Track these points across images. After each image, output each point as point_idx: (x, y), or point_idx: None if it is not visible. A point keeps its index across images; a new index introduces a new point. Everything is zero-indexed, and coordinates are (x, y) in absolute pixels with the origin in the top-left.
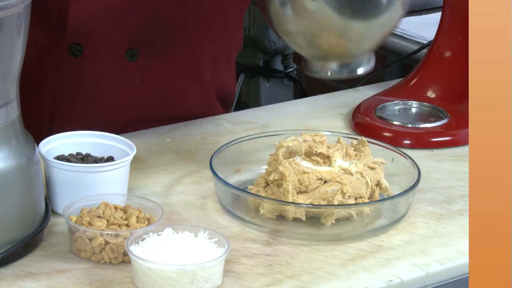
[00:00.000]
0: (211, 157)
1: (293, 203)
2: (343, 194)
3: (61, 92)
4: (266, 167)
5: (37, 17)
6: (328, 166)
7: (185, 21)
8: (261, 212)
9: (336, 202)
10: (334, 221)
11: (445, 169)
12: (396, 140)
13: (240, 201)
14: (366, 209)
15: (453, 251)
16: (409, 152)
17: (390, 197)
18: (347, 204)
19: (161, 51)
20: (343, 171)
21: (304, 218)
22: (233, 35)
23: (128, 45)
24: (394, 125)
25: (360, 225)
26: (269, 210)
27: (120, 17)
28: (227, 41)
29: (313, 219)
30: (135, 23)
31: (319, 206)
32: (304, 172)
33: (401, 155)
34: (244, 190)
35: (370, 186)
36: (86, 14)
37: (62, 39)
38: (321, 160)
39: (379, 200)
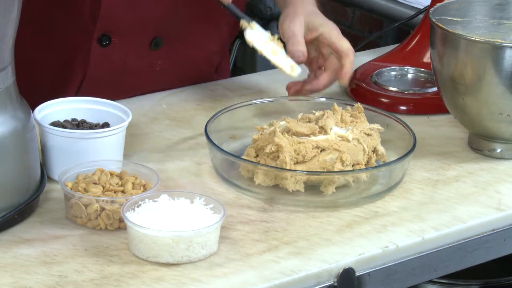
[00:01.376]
0: (206, 123)
1: (290, 170)
2: (342, 162)
3: (87, 78)
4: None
5: (70, 7)
6: (324, 134)
7: (203, 10)
8: (256, 182)
9: (336, 170)
10: (334, 190)
11: (441, 135)
12: (392, 106)
13: (235, 168)
14: (363, 175)
15: (449, 217)
16: (405, 118)
17: (387, 163)
18: (345, 171)
19: (181, 39)
20: (339, 138)
21: (303, 190)
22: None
23: (153, 35)
24: (390, 91)
25: (357, 191)
26: (264, 180)
27: (148, 8)
28: (230, 24)
29: (312, 187)
30: (161, 12)
31: (319, 173)
32: (300, 142)
33: (396, 121)
34: (239, 157)
35: (367, 153)
36: (118, 4)
37: (92, 29)
38: (316, 130)
39: (377, 166)
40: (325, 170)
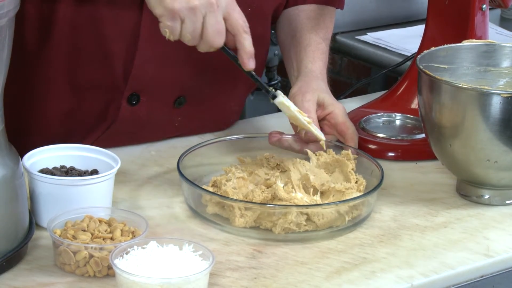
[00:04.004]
0: (179, 159)
1: (230, 198)
2: (285, 216)
3: (109, 130)
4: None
5: (104, 68)
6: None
7: (225, 71)
8: (209, 211)
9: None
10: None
11: (429, 181)
12: (380, 152)
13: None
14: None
15: (437, 263)
16: (393, 164)
17: (339, 202)
18: (289, 205)
19: (203, 99)
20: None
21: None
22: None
23: (178, 94)
24: (379, 137)
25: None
26: (216, 210)
27: (177, 68)
28: (247, 84)
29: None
30: (188, 73)
31: (255, 203)
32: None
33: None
34: (200, 187)
35: (344, 214)
36: (149, 65)
37: (123, 88)
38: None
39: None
40: (271, 223)
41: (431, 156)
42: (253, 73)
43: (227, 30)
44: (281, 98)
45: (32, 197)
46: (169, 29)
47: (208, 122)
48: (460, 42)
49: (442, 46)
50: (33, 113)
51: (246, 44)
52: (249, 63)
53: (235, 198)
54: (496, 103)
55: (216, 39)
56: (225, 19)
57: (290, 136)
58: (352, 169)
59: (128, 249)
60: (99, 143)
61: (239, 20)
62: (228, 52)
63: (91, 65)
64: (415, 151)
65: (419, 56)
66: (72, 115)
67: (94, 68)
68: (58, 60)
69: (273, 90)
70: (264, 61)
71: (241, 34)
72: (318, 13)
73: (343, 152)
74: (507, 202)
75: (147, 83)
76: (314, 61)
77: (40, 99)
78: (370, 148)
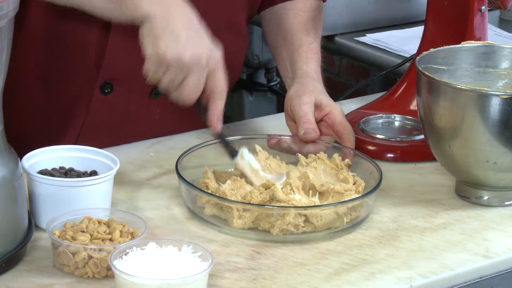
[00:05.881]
0: (177, 160)
1: (225, 198)
2: (283, 218)
3: (87, 124)
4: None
5: (75, 57)
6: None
7: None
8: (207, 212)
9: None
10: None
11: (428, 182)
12: (379, 153)
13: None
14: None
15: (436, 265)
16: (393, 165)
17: (334, 203)
18: (289, 206)
19: None
20: (306, 202)
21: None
22: (238, 69)
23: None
24: (378, 138)
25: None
26: (213, 211)
27: None
28: (229, 75)
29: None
30: None
31: (253, 205)
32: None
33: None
34: (194, 186)
35: (343, 215)
36: (122, 54)
37: (95, 77)
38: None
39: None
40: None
41: (430, 158)
42: (220, 133)
43: (205, 88)
44: (238, 159)
45: (31, 198)
46: (153, 72)
47: (189, 113)
48: (459, 43)
49: (441, 48)
50: (4, 107)
51: (219, 107)
52: (217, 124)
53: (233, 199)
54: (495, 105)
55: (190, 97)
56: (207, 77)
57: (288, 137)
58: (347, 175)
59: (127, 250)
60: (82, 142)
61: (221, 83)
62: (198, 105)
63: (63, 55)
64: (414, 152)
65: (418, 57)
66: (44, 107)
67: (66, 58)
68: (30, 50)
69: (235, 150)
70: (243, 52)
71: (217, 98)
72: (306, 11)
73: (335, 156)
74: (506, 203)
75: (120, 72)
76: (308, 62)
77: (11, 92)
78: (369, 149)
